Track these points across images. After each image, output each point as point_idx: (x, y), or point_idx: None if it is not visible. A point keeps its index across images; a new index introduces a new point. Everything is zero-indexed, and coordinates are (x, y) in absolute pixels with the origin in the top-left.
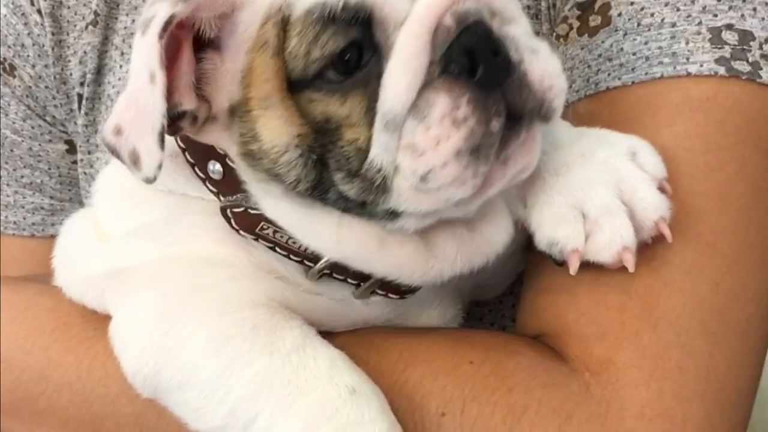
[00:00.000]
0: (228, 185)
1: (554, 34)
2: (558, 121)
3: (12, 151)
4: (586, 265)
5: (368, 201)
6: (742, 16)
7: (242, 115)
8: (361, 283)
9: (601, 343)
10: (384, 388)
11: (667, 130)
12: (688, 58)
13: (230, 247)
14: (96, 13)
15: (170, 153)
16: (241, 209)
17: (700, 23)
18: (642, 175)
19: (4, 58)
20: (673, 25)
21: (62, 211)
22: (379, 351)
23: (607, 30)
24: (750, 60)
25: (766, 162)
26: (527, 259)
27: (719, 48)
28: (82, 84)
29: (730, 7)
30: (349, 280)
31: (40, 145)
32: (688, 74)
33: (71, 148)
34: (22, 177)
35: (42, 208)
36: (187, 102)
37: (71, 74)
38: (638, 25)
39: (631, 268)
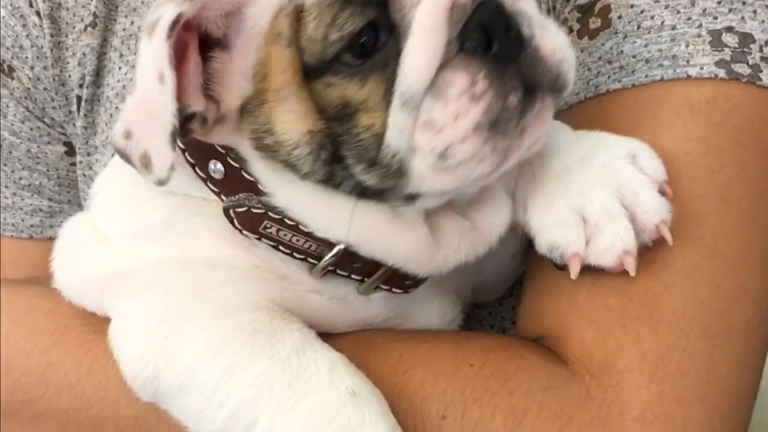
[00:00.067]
0: (230, 185)
1: None
2: (557, 125)
3: (10, 152)
4: (587, 269)
5: (389, 187)
6: (743, 18)
7: (254, 109)
8: (365, 279)
9: (601, 346)
10: (385, 390)
11: (668, 133)
12: (688, 61)
13: (233, 247)
14: (95, 15)
15: None
16: (244, 209)
17: (700, 26)
18: (642, 178)
19: (3, 60)
20: (674, 27)
21: (61, 213)
22: (379, 354)
23: (607, 33)
24: (750, 63)
25: (767, 164)
26: (527, 261)
27: (719, 51)
28: (81, 86)
29: (730, 10)
30: (353, 276)
31: (38, 146)
32: (689, 77)
33: (70, 149)
34: (20, 179)
35: (40, 209)
36: (196, 103)
37: (70, 76)
38: (638, 27)
39: (632, 272)
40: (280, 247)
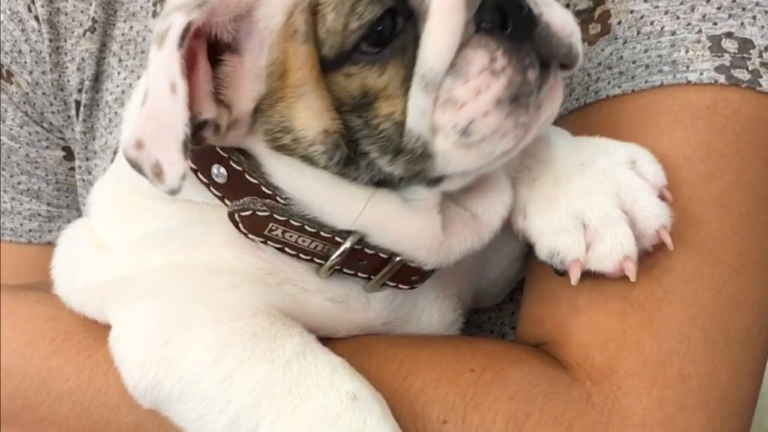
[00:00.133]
0: (233, 188)
1: None
2: (557, 130)
3: (9, 157)
4: (587, 274)
5: (415, 173)
6: (742, 24)
7: (267, 109)
8: (371, 277)
9: (602, 351)
10: (386, 395)
11: (667, 138)
12: (688, 67)
13: (237, 251)
14: (94, 20)
15: None
16: (249, 212)
17: (699, 31)
18: (642, 183)
19: (2, 64)
20: (673, 33)
21: (59, 218)
22: (380, 359)
23: (607, 38)
24: (750, 68)
25: (767, 170)
26: (527, 267)
27: (719, 56)
28: (79, 91)
29: (730, 16)
30: (359, 275)
31: (37, 151)
32: (688, 82)
33: (68, 154)
34: (19, 183)
35: (39, 214)
36: (208, 110)
37: (69, 81)
38: (638, 33)
39: (632, 277)
40: (286, 249)
